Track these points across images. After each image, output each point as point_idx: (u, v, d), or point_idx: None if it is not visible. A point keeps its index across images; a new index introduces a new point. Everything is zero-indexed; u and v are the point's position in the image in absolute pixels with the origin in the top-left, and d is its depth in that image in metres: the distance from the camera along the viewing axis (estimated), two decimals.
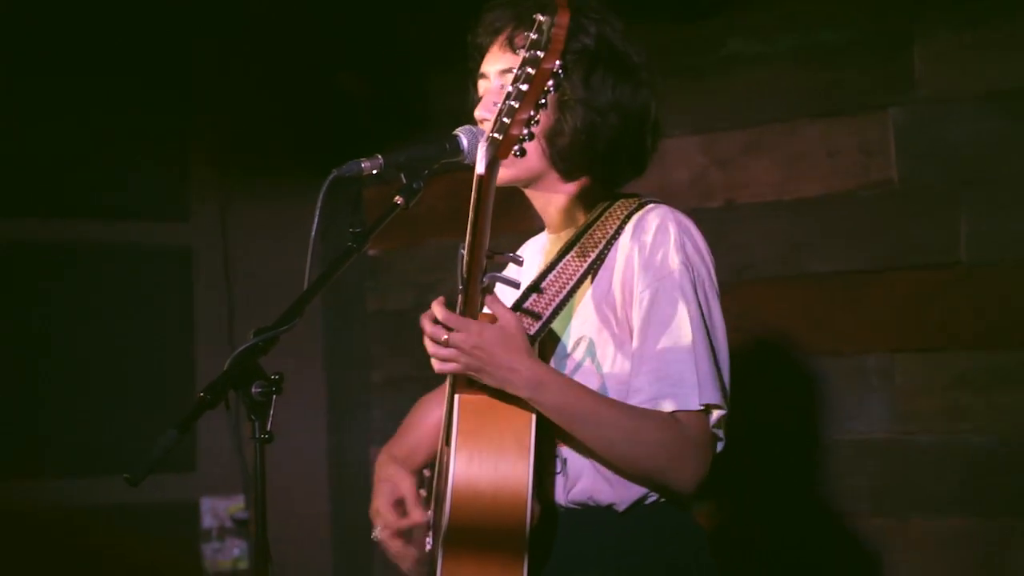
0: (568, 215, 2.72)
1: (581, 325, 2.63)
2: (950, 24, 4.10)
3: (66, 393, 4.92)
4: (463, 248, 2.39)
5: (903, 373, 4.15)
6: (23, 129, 4.79)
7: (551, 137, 2.62)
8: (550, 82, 2.20)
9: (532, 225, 2.84)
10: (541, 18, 2.19)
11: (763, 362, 4.29)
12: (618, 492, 2.57)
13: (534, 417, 2.49)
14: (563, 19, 2.18)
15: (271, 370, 2.31)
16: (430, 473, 2.90)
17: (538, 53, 2.18)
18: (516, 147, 2.26)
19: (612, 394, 2.56)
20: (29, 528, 4.70)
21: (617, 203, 2.68)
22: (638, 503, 2.58)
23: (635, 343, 2.55)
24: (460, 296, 2.45)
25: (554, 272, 2.65)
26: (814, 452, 4.29)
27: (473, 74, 2.73)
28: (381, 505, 2.83)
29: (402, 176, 2.52)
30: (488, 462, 2.46)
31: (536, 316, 2.62)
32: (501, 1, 2.70)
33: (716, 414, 2.54)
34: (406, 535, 2.80)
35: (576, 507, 2.60)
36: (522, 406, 2.49)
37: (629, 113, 2.64)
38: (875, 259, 4.21)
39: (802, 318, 4.32)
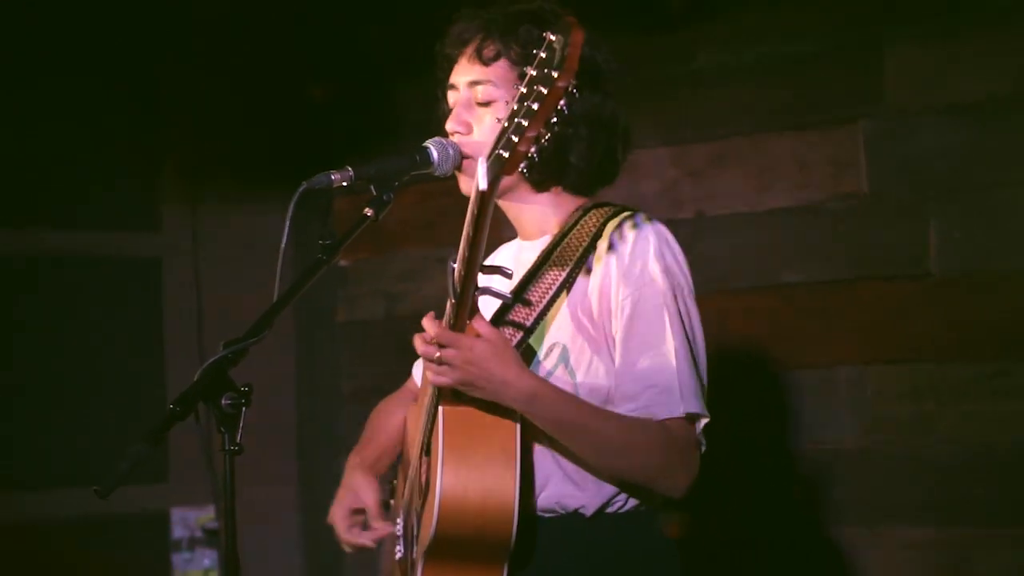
0: (541, 224, 2.72)
1: (555, 332, 2.63)
2: (919, 37, 4.13)
3: (35, 404, 4.89)
4: (454, 261, 2.38)
5: (873, 384, 4.17)
6: None
7: None
8: (562, 101, 2.20)
9: (504, 234, 2.84)
10: (552, 37, 2.18)
11: (734, 373, 4.28)
12: (586, 495, 2.58)
13: (519, 427, 2.49)
14: (578, 38, 2.18)
15: (241, 381, 2.31)
16: (399, 482, 2.90)
17: (551, 72, 2.17)
18: (523, 164, 2.25)
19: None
20: None
21: (592, 211, 2.68)
22: (604, 508, 2.59)
23: (618, 352, 2.56)
24: (451, 309, 2.45)
25: (534, 282, 2.65)
26: (785, 462, 4.30)
27: (442, 84, 2.73)
28: (336, 514, 2.86)
29: (372, 188, 2.52)
30: (475, 473, 2.46)
31: (518, 327, 2.62)
32: (469, 13, 2.70)
33: (701, 421, 2.57)
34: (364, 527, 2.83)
35: (545, 515, 2.60)
36: (506, 416, 2.50)
37: (599, 123, 2.64)
38: (845, 270, 4.23)
39: (773, 329, 4.33)
